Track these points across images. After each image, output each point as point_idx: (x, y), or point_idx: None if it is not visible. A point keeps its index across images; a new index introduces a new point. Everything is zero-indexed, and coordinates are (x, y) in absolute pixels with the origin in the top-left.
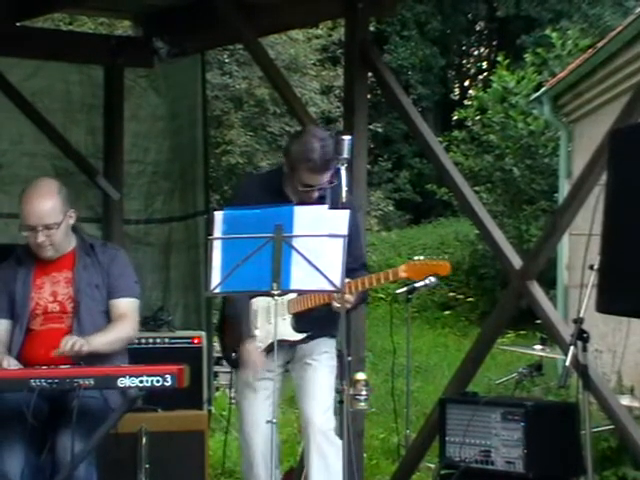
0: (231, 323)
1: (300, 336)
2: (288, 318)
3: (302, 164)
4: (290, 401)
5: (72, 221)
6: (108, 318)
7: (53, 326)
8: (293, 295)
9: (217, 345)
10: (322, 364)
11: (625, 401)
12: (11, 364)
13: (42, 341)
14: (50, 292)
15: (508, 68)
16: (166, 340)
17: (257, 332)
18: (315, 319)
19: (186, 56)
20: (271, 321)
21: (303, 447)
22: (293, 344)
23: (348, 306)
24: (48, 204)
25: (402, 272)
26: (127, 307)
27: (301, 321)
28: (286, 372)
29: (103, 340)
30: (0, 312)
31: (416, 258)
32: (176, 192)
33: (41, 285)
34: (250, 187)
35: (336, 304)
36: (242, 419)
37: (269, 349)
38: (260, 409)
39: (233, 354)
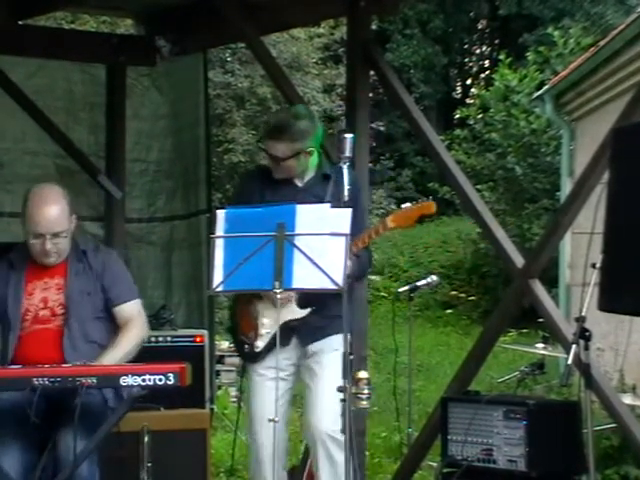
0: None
1: (304, 312)
2: (292, 299)
3: (263, 131)
4: (292, 399)
5: (73, 226)
6: (108, 323)
7: (41, 327)
8: None
9: (219, 344)
10: (330, 367)
11: (627, 400)
12: None
13: (32, 342)
14: (40, 298)
15: (510, 66)
16: (168, 339)
17: (265, 320)
18: (319, 297)
19: (188, 54)
20: (276, 307)
21: (305, 447)
22: (300, 322)
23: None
24: (56, 212)
25: (390, 222)
26: (131, 310)
27: (304, 299)
28: (298, 371)
29: (116, 357)
30: None
31: (403, 206)
32: (178, 191)
33: (32, 291)
34: (250, 180)
35: None
36: (250, 417)
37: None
38: (269, 408)
39: (245, 346)
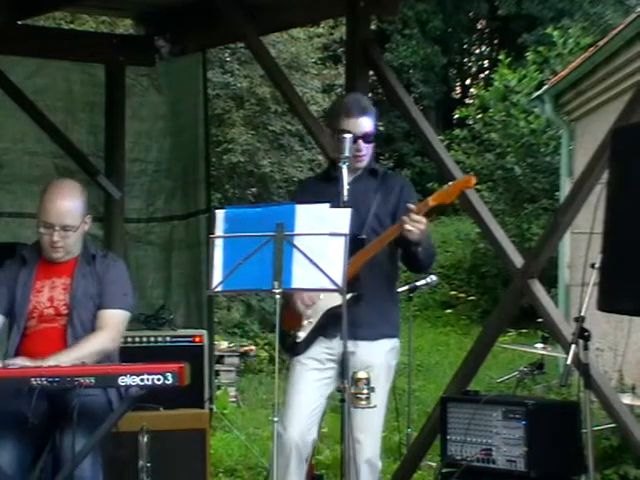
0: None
1: (346, 296)
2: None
3: (338, 113)
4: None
5: (87, 227)
6: None
7: (47, 325)
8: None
9: (218, 344)
10: (379, 389)
11: (626, 399)
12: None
13: (37, 340)
14: (47, 297)
15: (509, 66)
16: (167, 339)
17: (309, 312)
18: (364, 280)
19: (187, 54)
20: (320, 296)
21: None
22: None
23: (422, 227)
24: (70, 205)
25: (431, 201)
26: (109, 319)
27: (348, 285)
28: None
29: (72, 357)
30: None
31: (445, 186)
32: (177, 191)
33: (40, 289)
34: (307, 184)
35: (408, 227)
36: (286, 405)
37: (321, 324)
38: (306, 398)
39: (288, 338)
